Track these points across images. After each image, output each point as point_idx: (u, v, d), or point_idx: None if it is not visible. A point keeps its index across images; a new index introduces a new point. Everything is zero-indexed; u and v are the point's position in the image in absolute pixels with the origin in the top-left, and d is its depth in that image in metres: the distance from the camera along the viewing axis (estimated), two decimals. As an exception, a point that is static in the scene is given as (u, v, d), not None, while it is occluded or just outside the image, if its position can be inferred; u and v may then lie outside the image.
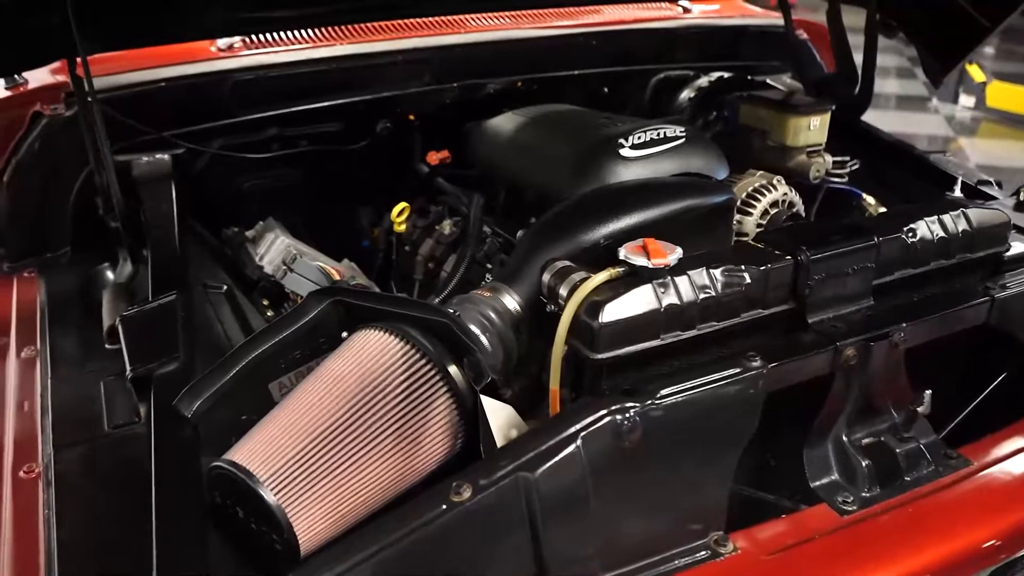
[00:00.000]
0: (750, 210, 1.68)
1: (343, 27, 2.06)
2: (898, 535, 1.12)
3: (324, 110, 1.99)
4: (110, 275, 1.71)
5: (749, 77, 2.28)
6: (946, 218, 1.35)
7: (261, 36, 2.02)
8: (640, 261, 1.10)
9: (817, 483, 1.18)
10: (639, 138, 1.63)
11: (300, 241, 1.76)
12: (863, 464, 1.18)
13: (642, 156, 1.62)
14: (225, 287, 1.60)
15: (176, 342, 1.29)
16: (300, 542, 1.00)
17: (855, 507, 1.14)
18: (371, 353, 1.15)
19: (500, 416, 1.15)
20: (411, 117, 2.11)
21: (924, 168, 2.12)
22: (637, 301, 1.09)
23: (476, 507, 0.94)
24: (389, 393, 1.11)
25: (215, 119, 1.89)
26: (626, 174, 1.60)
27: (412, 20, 2.15)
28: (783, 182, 1.71)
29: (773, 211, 1.69)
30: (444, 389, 1.14)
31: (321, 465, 1.04)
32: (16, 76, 1.80)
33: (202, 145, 1.88)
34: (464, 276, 1.70)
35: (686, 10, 2.54)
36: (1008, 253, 1.46)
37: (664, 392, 1.04)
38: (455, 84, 2.12)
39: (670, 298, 1.11)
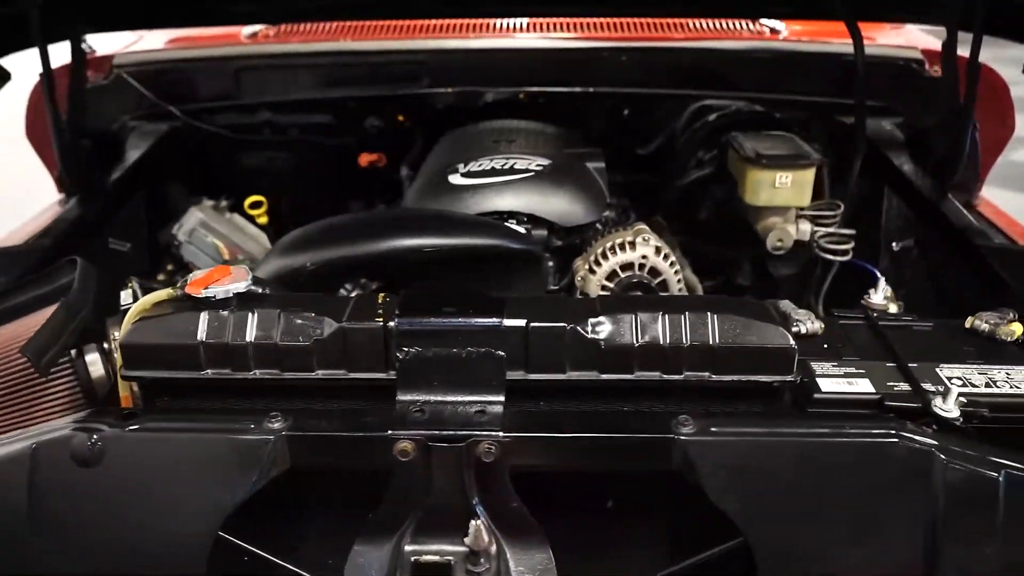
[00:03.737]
0: (597, 268, 1.41)
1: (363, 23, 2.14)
2: None
3: (313, 102, 2.10)
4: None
5: (771, 115, 1.86)
6: (668, 320, 1.03)
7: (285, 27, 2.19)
8: (191, 288, 1.04)
9: (354, 586, 1.00)
10: (477, 166, 1.47)
11: (229, 219, 1.90)
12: (405, 586, 0.98)
13: (470, 185, 1.46)
14: (128, 247, 1.80)
15: None
16: None
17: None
18: (32, 323, 1.24)
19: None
20: (400, 118, 2.11)
21: (972, 262, 1.57)
22: (173, 327, 1.03)
23: None
24: (13, 363, 1.19)
25: (219, 99, 2.11)
26: (450, 202, 1.46)
27: (433, 21, 2.14)
28: (649, 242, 1.40)
29: (624, 274, 1.40)
30: (68, 371, 1.19)
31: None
32: (84, 46, 2.18)
33: (207, 120, 2.11)
34: None
35: (774, 31, 2.14)
36: (840, 392, 1.06)
37: (138, 425, 0.98)
38: (450, 89, 2.07)
39: (218, 333, 1.03)
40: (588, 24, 2.14)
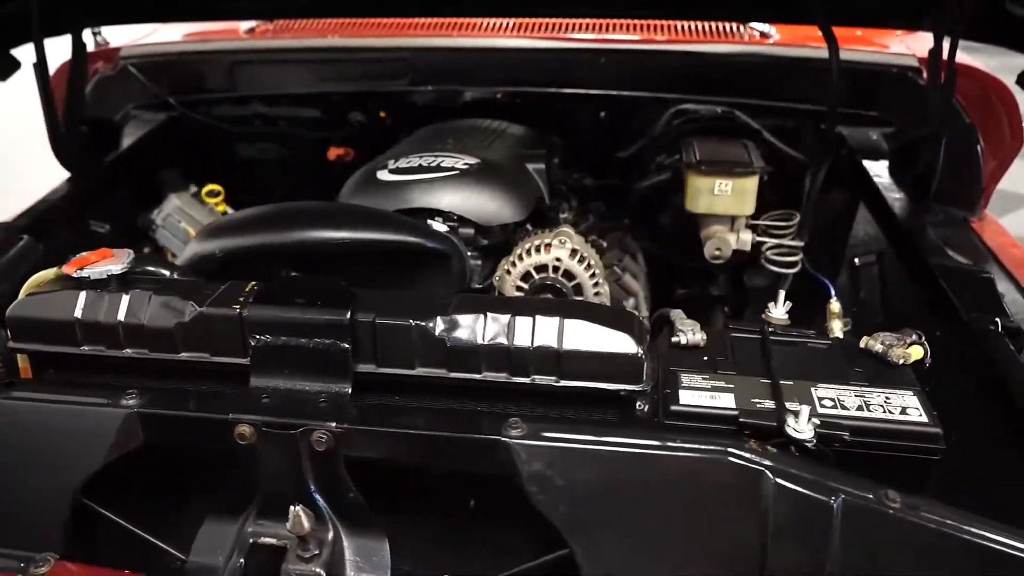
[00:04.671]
0: (512, 269, 1.41)
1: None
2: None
3: (301, 96, 2.16)
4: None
5: (736, 121, 1.81)
6: (516, 322, 1.02)
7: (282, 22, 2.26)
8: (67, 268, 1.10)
9: (196, 559, 1.03)
10: (406, 163, 1.49)
11: (211, 207, 1.98)
12: (240, 563, 1.01)
13: (395, 182, 1.49)
14: (107, 228, 1.90)
15: None
16: None
17: (198, 600, 0.99)
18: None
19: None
20: (382, 115, 2.15)
21: (922, 280, 1.50)
22: (54, 304, 1.09)
23: None
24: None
25: (214, 91, 2.20)
26: (375, 198, 1.49)
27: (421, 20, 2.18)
28: (565, 246, 1.39)
29: (538, 276, 1.39)
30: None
31: None
32: (100, 38, 2.31)
33: (203, 111, 2.20)
34: None
35: (764, 36, 2.08)
36: (697, 406, 1.04)
37: (6, 394, 1.04)
38: (430, 88, 2.10)
39: (93, 312, 1.08)
40: (575, 25, 2.13)
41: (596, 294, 1.41)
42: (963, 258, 1.61)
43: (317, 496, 1.01)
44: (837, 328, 1.43)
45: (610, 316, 1.05)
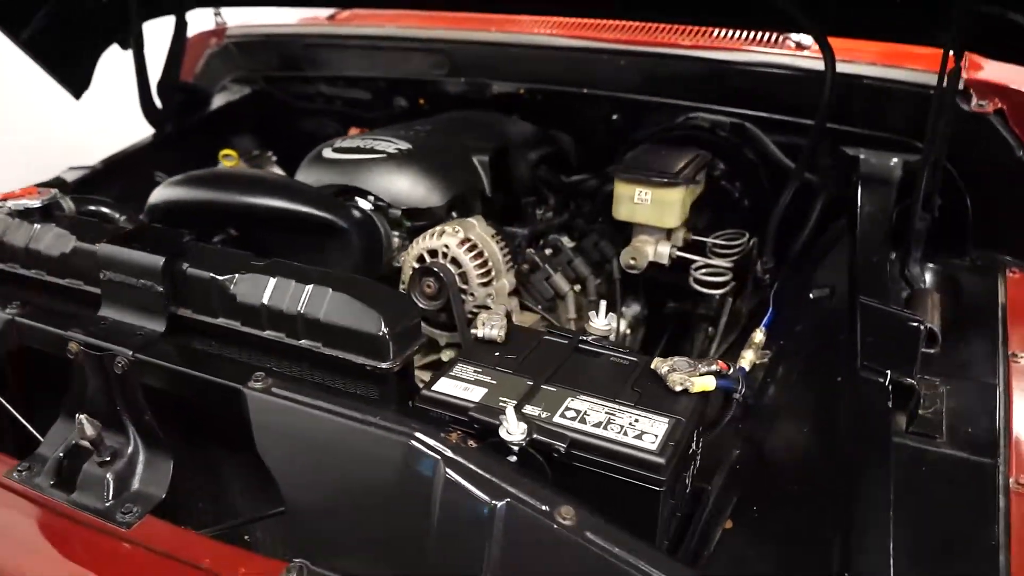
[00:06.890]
0: (411, 250, 1.48)
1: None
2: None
3: (355, 79, 2.35)
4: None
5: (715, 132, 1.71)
6: (293, 287, 1.12)
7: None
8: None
9: (40, 450, 1.23)
10: (348, 143, 1.61)
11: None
12: (59, 457, 1.20)
13: (332, 159, 1.61)
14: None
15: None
16: None
17: (19, 480, 1.19)
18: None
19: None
20: (421, 102, 2.28)
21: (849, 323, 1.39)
22: (-15, 226, 1.35)
23: None
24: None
25: (290, 70, 2.46)
26: (312, 173, 1.63)
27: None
28: (457, 234, 1.44)
29: (430, 259, 1.45)
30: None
31: None
32: (219, 19, 2.65)
33: (280, 86, 2.47)
34: None
35: (800, 46, 1.93)
36: (442, 393, 1.08)
37: None
38: (462, 79, 2.20)
39: (11, 236, 1.33)
40: (608, 25, 2.12)
41: (484, 284, 1.44)
42: (932, 309, 1.44)
43: (121, 413, 1.18)
44: (748, 357, 1.36)
45: (375, 296, 1.10)
